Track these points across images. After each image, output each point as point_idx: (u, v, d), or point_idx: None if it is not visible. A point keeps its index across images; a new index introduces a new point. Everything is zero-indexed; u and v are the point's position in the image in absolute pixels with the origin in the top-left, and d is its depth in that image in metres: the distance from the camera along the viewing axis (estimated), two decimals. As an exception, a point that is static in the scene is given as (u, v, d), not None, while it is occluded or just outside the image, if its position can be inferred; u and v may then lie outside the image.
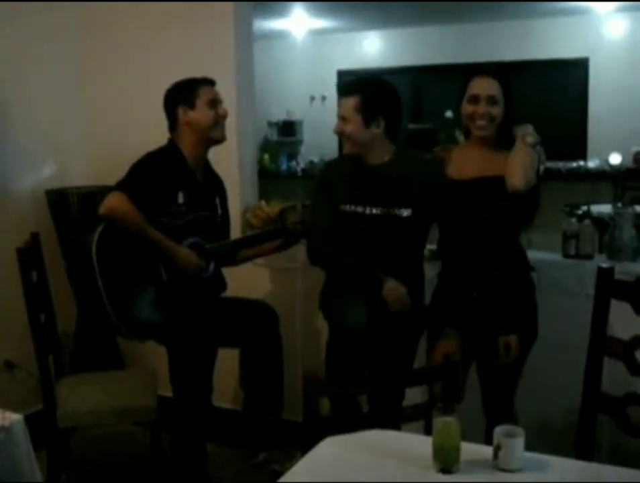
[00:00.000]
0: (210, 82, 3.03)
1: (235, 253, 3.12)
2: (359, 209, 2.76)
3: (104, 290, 2.76)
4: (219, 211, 3.13)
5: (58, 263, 3.74)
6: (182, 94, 2.98)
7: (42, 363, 3.01)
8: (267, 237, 3.12)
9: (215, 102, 3.00)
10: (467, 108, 2.72)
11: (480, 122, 2.69)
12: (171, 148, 3.00)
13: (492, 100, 2.67)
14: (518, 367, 2.76)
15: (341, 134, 2.78)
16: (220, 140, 3.04)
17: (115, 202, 2.80)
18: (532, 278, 2.77)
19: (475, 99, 2.69)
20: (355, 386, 2.56)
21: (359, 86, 2.81)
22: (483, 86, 2.69)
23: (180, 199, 2.93)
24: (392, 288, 2.69)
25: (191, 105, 2.96)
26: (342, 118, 2.76)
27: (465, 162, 2.76)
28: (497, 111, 2.68)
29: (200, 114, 2.96)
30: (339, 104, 2.80)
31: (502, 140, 2.73)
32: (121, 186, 2.86)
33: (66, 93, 4.04)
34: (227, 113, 3.05)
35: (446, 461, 1.78)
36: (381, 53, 8.70)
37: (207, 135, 2.99)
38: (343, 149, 2.84)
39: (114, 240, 2.83)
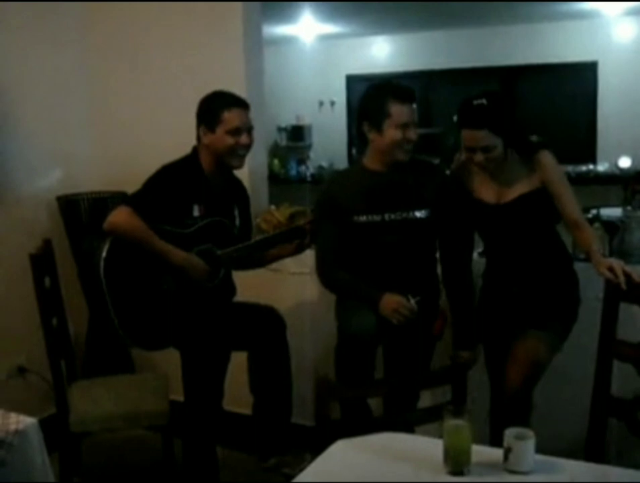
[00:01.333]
0: (241, 104, 2.90)
1: (250, 257, 3.10)
2: (376, 218, 2.77)
3: (111, 304, 2.76)
4: (237, 221, 3.08)
5: (70, 268, 3.76)
6: (205, 114, 2.89)
7: (55, 367, 3.03)
8: (280, 239, 3.10)
9: (238, 130, 2.86)
10: (464, 153, 2.74)
11: (480, 166, 2.73)
12: (191, 159, 2.95)
13: (486, 150, 2.66)
14: (544, 364, 2.74)
15: (414, 141, 2.74)
16: (236, 168, 2.97)
17: (118, 217, 2.78)
18: (575, 270, 2.83)
19: (470, 150, 2.70)
20: (370, 388, 2.57)
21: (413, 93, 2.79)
22: (473, 140, 2.66)
23: (196, 212, 2.90)
24: (386, 303, 2.69)
25: (211, 129, 2.86)
26: (414, 124, 2.73)
27: (486, 181, 2.78)
28: (493, 155, 2.67)
29: (218, 140, 2.85)
30: (406, 111, 2.71)
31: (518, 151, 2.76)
32: (130, 199, 2.87)
33: (76, 99, 4.07)
34: (250, 142, 2.91)
35: (456, 463, 1.79)
36: (389, 57, 8.72)
37: (221, 160, 2.91)
38: (399, 156, 2.75)
39: (122, 252, 2.82)
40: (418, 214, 2.76)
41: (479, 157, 2.67)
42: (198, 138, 2.94)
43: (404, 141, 2.71)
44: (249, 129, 2.92)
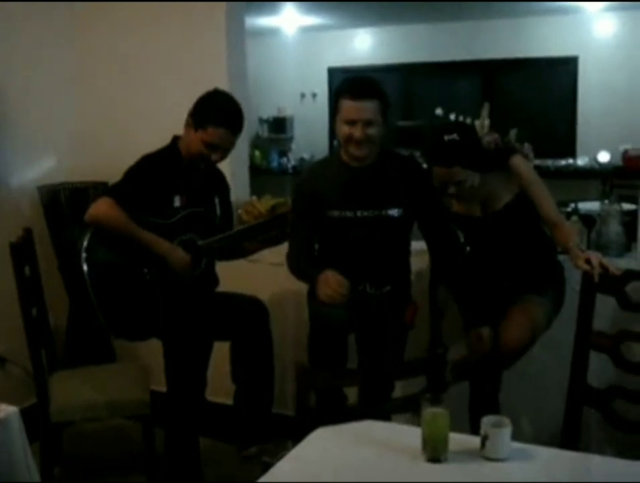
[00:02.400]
0: (231, 127, 2.88)
1: (231, 248, 3.13)
2: (349, 214, 2.77)
3: (94, 294, 2.77)
4: (218, 210, 3.11)
5: (50, 258, 3.76)
6: (196, 112, 2.88)
7: (35, 357, 3.03)
8: (262, 229, 3.12)
9: (213, 147, 2.87)
10: (438, 186, 2.75)
11: (454, 197, 2.78)
12: (171, 149, 2.97)
13: (458, 183, 2.67)
14: (541, 328, 2.78)
15: (363, 139, 2.65)
16: (199, 167, 2.97)
17: (99, 209, 2.79)
18: (563, 272, 2.88)
19: (443, 184, 2.72)
20: (347, 377, 2.59)
21: (376, 88, 2.71)
22: (445, 176, 2.68)
23: (177, 203, 2.93)
24: (320, 282, 2.65)
25: (194, 129, 2.87)
26: (366, 122, 2.63)
27: (470, 200, 2.81)
28: (466, 185, 2.69)
29: (194, 141, 2.87)
30: (353, 108, 2.63)
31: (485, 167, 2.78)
32: (111, 190, 2.88)
33: (57, 90, 4.05)
34: (219, 160, 2.95)
35: (434, 451, 1.82)
36: (372, 50, 8.73)
37: (191, 156, 2.93)
38: (352, 152, 2.71)
39: (104, 243, 2.83)
40: (391, 212, 2.76)
41: (452, 190, 2.68)
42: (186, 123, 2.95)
43: (352, 138, 2.65)
44: (225, 150, 2.94)
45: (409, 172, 2.80)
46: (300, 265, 2.88)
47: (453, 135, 2.59)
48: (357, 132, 2.63)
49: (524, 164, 2.76)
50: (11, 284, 2.98)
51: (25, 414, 2.15)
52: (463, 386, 2.88)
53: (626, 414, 2.35)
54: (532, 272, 2.81)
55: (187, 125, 2.91)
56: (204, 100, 2.91)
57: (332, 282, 2.61)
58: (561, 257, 2.86)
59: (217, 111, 2.88)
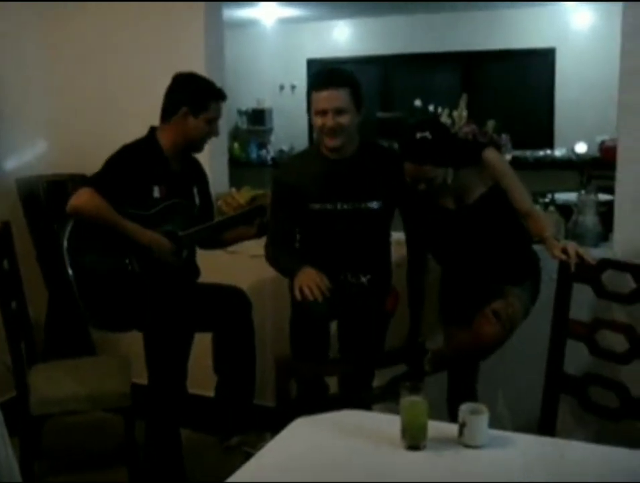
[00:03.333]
0: (223, 98, 3.00)
1: (212, 238, 3.13)
2: (329, 206, 2.79)
3: (75, 285, 2.77)
4: (197, 200, 3.12)
5: (28, 251, 3.73)
6: (193, 100, 2.91)
7: (14, 350, 3.02)
8: (241, 220, 3.14)
9: (214, 120, 2.97)
10: (409, 181, 2.70)
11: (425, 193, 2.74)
12: (149, 140, 2.97)
13: (429, 181, 2.64)
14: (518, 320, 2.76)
15: (335, 128, 2.68)
16: (197, 151, 3.05)
17: (81, 199, 2.79)
18: (540, 266, 2.88)
19: (414, 180, 2.69)
20: (327, 366, 2.61)
21: (345, 76, 2.75)
22: (416, 172, 2.64)
23: (156, 193, 2.93)
24: (299, 278, 2.68)
25: (195, 114, 2.91)
26: (337, 111, 2.66)
27: (444, 192, 2.78)
28: (437, 181, 2.66)
29: (197, 126, 2.92)
30: (323, 98, 2.68)
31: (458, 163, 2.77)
32: (92, 180, 2.87)
33: (36, 81, 4.03)
34: (219, 133, 3.05)
35: (413, 438, 1.84)
36: (350, 42, 8.73)
37: (190, 144, 2.98)
38: (326, 143, 2.74)
39: (85, 234, 2.82)
40: (370, 205, 2.79)
41: (422, 186, 2.67)
42: (167, 117, 2.95)
43: (324, 127, 2.69)
44: (218, 120, 3.03)
45: (389, 164, 2.81)
46: (280, 258, 2.89)
47: (426, 133, 2.59)
48: (328, 121, 2.67)
49: (497, 157, 2.77)
50: (-11, 277, 2.97)
51: (4, 407, 2.15)
52: (442, 375, 2.91)
53: (601, 400, 2.39)
54: (509, 263, 2.83)
55: (183, 115, 2.91)
56: (190, 84, 2.96)
57: (311, 279, 2.64)
58: (537, 247, 2.89)
59: (210, 88, 2.98)
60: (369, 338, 2.84)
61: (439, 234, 2.85)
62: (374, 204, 2.78)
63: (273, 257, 2.93)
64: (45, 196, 3.74)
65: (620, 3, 3.08)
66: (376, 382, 2.80)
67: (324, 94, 2.67)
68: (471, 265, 2.84)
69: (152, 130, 2.99)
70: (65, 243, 2.77)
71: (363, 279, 2.81)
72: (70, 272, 2.76)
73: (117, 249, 2.86)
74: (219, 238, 3.16)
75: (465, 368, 2.89)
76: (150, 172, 2.92)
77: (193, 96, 2.93)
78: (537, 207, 3.32)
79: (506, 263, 2.82)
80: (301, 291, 2.64)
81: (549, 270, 2.74)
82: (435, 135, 2.60)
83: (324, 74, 2.81)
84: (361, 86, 2.75)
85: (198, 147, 3.03)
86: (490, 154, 2.74)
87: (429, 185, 2.66)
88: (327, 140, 2.72)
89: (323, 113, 2.67)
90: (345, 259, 2.82)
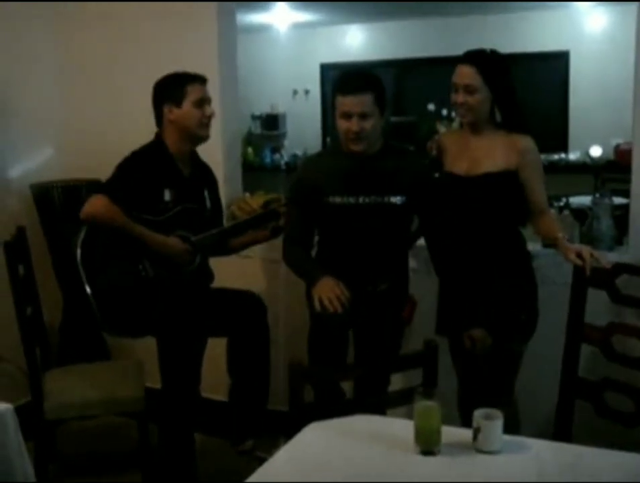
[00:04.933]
0: (200, 80, 2.99)
1: (223, 243, 3.14)
2: (351, 200, 2.78)
3: (90, 292, 2.78)
4: (208, 204, 3.12)
5: (43, 256, 3.75)
6: (169, 92, 2.96)
7: (29, 355, 3.03)
8: (254, 224, 3.14)
9: (202, 102, 2.97)
10: (451, 96, 2.76)
11: (459, 110, 2.74)
12: (157, 145, 2.99)
13: (468, 89, 2.68)
14: (518, 357, 2.79)
15: (359, 132, 2.68)
16: (204, 139, 3.03)
17: (94, 206, 2.81)
18: (533, 267, 2.83)
19: (455, 88, 2.72)
20: (340, 371, 2.60)
21: (371, 81, 2.74)
22: (460, 75, 2.70)
23: (167, 197, 2.94)
24: (319, 287, 2.65)
25: (178, 103, 2.93)
26: (361, 115, 2.66)
27: (462, 153, 2.79)
28: (474, 99, 2.68)
29: (186, 113, 2.93)
30: (348, 102, 2.66)
31: (502, 121, 2.76)
32: (104, 187, 2.90)
33: (49, 87, 4.05)
34: (213, 112, 3.03)
35: (427, 443, 1.83)
36: (364, 46, 8.72)
37: (192, 134, 2.98)
38: (350, 147, 2.73)
39: (98, 240, 2.84)
40: (393, 199, 2.78)
41: (461, 97, 2.68)
42: (160, 119, 2.99)
43: (349, 132, 2.69)
44: (209, 101, 3.02)
45: (411, 164, 2.83)
46: (298, 261, 2.88)
47: (484, 48, 2.79)
48: (353, 126, 2.67)
49: (535, 147, 2.75)
50: (4, 283, 2.98)
51: (19, 412, 2.16)
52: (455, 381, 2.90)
53: (616, 406, 2.37)
54: (500, 256, 2.77)
55: (169, 111, 2.94)
56: (162, 83, 3.00)
57: (331, 290, 2.61)
58: (550, 251, 2.86)
59: (180, 76, 2.98)
60: (384, 345, 2.83)
61: (447, 206, 2.80)
62: (397, 199, 2.77)
63: (290, 258, 2.91)
64: (59, 201, 3.76)
65: (636, 4, 3.06)
66: (391, 388, 2.79)
67: (349, 98, 2.67)
68: (468, 250, 2.77)
69: (158, 135, 3.02)
70: (78, 251, 2.78)
71: (382, 287, 2.80)
72: (84, 279, 2.77)
73: (131, 255, 2.87)
74: (230, 244, 3.17)
75: (475, 374, 2.86)
76: (160, 175, 2.93)
77: (166, 89, 2.97)
78: (552, 211, 3.30)
79: (497, 255, 2.77)
80: (320, 302, 2.63)
81: (565, 274, 2.72)
82: (491, 50, 2.72)
83: (350, 77, 2.79)
84: (385, 90, 2.76)
85: (201, 135, 3.00)
86: (529, 141, 2.73)
87: (466, 100, 2.66)
88: (351, 145, 2.73)
89: (348, 116, 2.68)
90: (364, 263, 2.81)
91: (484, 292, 2.75)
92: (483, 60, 2.72)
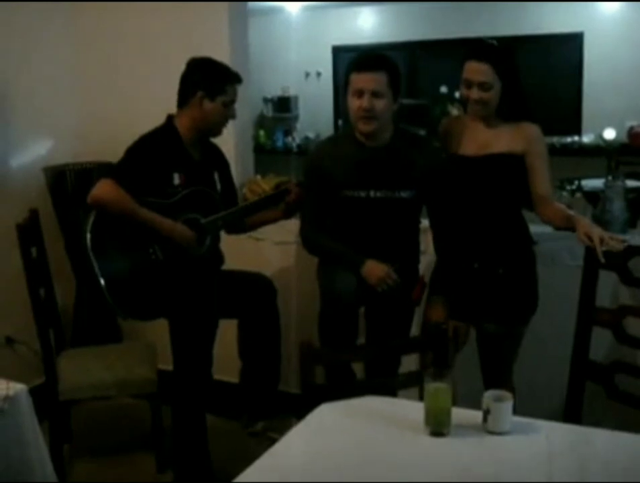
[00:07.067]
0: (238, 81, 3.02)
1: (235, 224, 3.15)
2: (362, 194, 2.78)
3: (101, 276, 2.80)
4: (218, 186, 3.13)
5: (56, 238, 3.78)
6: (209, 82, 2.94)
7: (43, 337, 3.07)
8: (264, 205, 3.15)
9: (231, 103, 3.00)
10: (462, 90, 2.75)
11: (474, 107, 2.73)
12: (167, 128, 2.99)
13: (483, 87, 2.66)
14: (518, 339, 2.82)
15: (369, 109, 2.65)
16: (216, 136, 3.07)
17: (101, 190, 2.82)
18: (534, 251, 2.83)
19: (468, 84, 2.71)
20: (350, 352, 2.61)
21: (386, 61, 2.72)
22: (474, 72, 2.67)
23: (176, 180, 2.95)
24: (370, 270, 2.72)
25: (212, 97, 2.94)
26: (373, 94, 2.65)
27: (470, 137, 2.78)
28: (489, 95, 2.67)
29: (214, 109, 2.95)
30: (361, 79, 2.66)
31: (508, 112, 2.75)
32: (112, 171, 2.90)
33: (61, 70, 4.06)
34: (236, 116, 3.07)
35: (437, 424, 1.84)
36: (376, 28, 8.67)
37: (208, 129, 3.01)
38: (360, 127, 2.72)
39: (108, 225, 2.85)
40: (403, 194, 2.77)
41: (475, 93, 2.67)
42: (183, 102, 2.97)
43: (359, 108, 2.67)
44: (235, 103, 3.05)
45: (423, 153, 2.80)
46: (331, 248, 2.85)
47: (494, 42, 2.76)
48: (364, 102, 2.65)
49: (541, 135, 2.74)
50: (18, 265, 3.01)
51: (33, 393, 2.18)
52: (472, 365, 2.91)
53: (627, 388, 2.37)
54: (502, 243, 2.79)
55: (199, 99, 2.93)
56: (205, 69, 2.97)
57: (383, 271, 2.72)
58: (561, 234, 2.85)
59: (225, 72, 3.00)
60: (396, 327, 2.84)
61: (455, 189, 2.80)
62: (407, 194, 2.77)
63: (319, 244, 2.90)
64: (72, 184, 3.78)
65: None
66: (402, 369, 2.80)
67: (363, 75, 2.66)
68: (472, 238, 2.78)
69: (170, 118, 3.01)
70: (88, 236, 2.79)
71: (393, 268, 2.81)
72: (95, 264, 2.78)
73: (141, 239, 2.88)
74: (244, 223, 3.18)
75: (499, 363, 2.88)
76: (169, 159, 2.94)
77: (209, 79, 2.95)
78: (564, 193, 3.28)
79: (500, 238, 2.78)
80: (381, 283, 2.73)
81: (577, 257, 2.70)
82: (501, 45, 2.73)
83: (365, 56, 2.79)
84: (401, 75, 2.74)
85: (217, 132, 3.04)
86: (535, 129, 2.73)
87: (480, 96, 2.66)
88: (361, 125, 2.71)
89: (360, 93, 2.66)
90: (375, 247, 2.81)
91: (485, 277, 2.76)
92: (496, 55, 2.69)
